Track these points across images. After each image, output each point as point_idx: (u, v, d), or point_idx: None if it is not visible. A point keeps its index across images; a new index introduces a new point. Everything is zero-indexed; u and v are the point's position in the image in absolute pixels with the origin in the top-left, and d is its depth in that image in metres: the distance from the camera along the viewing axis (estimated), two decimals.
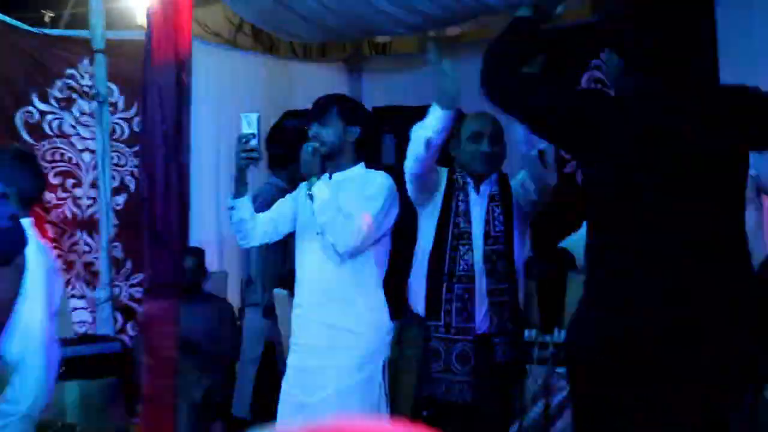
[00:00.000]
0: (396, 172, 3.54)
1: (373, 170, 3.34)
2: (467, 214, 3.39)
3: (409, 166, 3.25)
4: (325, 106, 3.30)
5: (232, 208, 3.32)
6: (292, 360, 3.29)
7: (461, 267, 3.34)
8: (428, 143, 3.14)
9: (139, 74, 3.77)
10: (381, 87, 6.56)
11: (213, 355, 4.91)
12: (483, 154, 3.43)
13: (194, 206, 5.59)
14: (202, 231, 5.80)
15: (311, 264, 3.26)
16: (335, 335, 3.17)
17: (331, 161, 3.30)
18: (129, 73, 5.44)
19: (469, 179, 3.45)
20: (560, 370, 4.09)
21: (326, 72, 6.57)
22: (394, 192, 3.28)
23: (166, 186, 3.26)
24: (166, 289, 3.27)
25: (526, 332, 4.27)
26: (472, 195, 3.44)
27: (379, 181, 3.26)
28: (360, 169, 3.34)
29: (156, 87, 3.39)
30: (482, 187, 3.46)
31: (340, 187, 3.25)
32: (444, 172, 3.48)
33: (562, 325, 4.37)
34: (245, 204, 3.33)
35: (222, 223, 5.98)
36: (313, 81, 6.32)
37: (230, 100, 5.95)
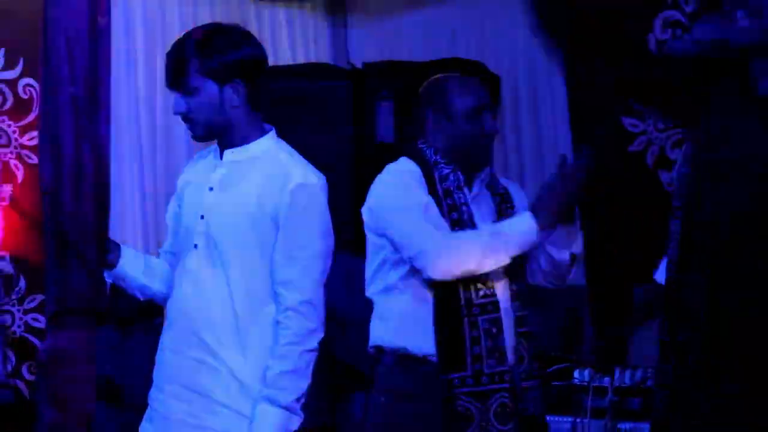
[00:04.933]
0: (396, 153, 3.55)
1: (289, 156, 3.08)
2: (471, 221, 3.39)
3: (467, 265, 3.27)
4: (178, 65, 3.05)
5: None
6: (142, 430, 3.24)
7: (481, 292, 3.34)
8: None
9: (26, 15, 3.74)
10: (373, 38, 6.55)
11: (142, 409, 4.91)
12: (488, 136, 3.45)
13: (115, 200, 5.57)
14: (125, 233, 5.77)
15: (180, 291, 3.19)
16: (202, 409, 3.12)
17: (220, 138, 3.11)
18: (7, 14, 5.39)
19: (460, 175, 3.43)
20: (624, 425, 4.10)
21: (301, 20, 6.57)
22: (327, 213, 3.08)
23: (77, 173, 3.24)
24: (79, 316, 3.26)
25: (576, 373, 4.29)
26: (470, 196, 3.44)
27: (309, 208, 3.03)
28: (269, 143, 3.12)
29: (61, 33, 3.37)
30: (477, 183, 3.46)
31: (238, 173, 3.13)
32: (418, 173, 3.41)
33: (625, 363, 4.38)
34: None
35: (149, 223, 5.95)
36: (283, 31, 6.30)
37: None
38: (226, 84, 3.04)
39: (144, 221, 5.99)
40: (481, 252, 3.24)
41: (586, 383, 4.19)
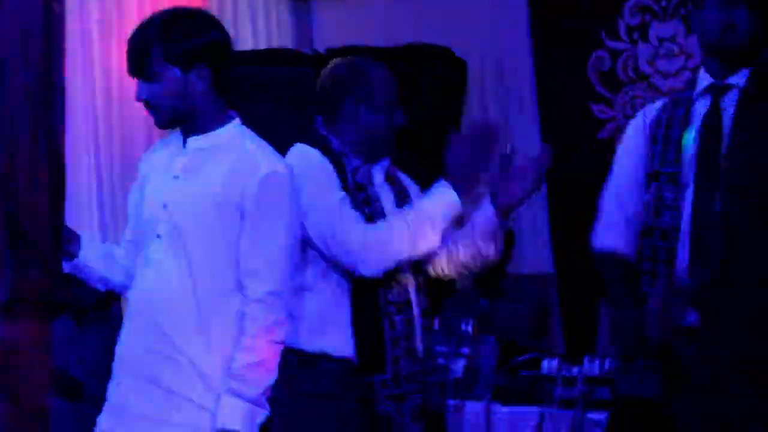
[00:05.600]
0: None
1: (255, 144, 3.04)
2: (383, 216, 3.34)
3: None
4: (140, 51, 3.01)
5: None
6: (101, 423, 3.19)
7: (395, 290, 3.30)
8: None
9: None
10: (336, 23, 6.55)
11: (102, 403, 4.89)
12: (396, 129, 3.38)
13: (71, 190, 5.52)
14: (82, 222, 5.75)
15: (142, 281, 3.14)
16: (163, 401, 3.07)
17: (184, 125, 3.13)
18: None
19: (369, 167, 3.38)
20: (593, 415, 4.09)
21: (263, 4, 6.56)
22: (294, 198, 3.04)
23: (31, 161, 3.18)
24: (33, 308, 3.20)
25: (545, 363, 4.29)
26: (378, 187, 3.40)
27: (276, 190, 2.99)
28: (234, 130, 3.08)
29: (14, 18, 3.30)
30: (378, 174, 3.41)
31: (202, 160, 3.08)
32: (329, 164, 3.32)
33: (594, 353, 4.38)
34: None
35: (106, 213, 5.94)
36: (245, 15, 6.28)
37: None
38: (190, 70, 2.99)
39: (101, 210, 5.95)
40: (411, 238, 3.19)
41: (554, 373, 4.18)
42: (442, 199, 3.21)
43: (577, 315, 5.63)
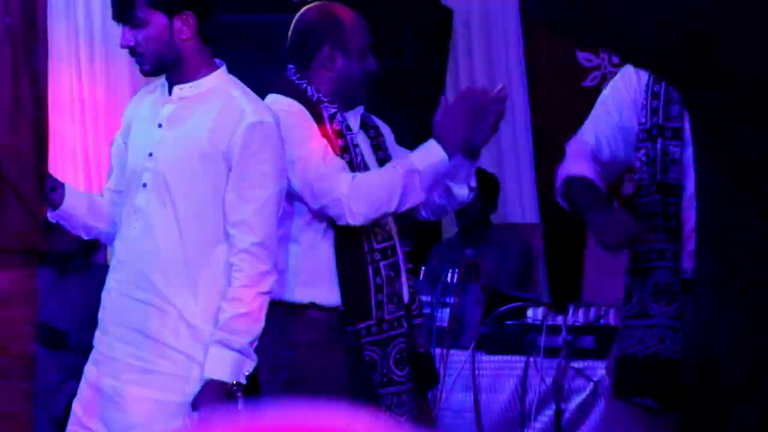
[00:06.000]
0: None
1: (242, 93, 3.03)
2: (364, 163, 3.33)
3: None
4: None
5: None
6: (87, 373, 3.20)
7: (380, 236, 3.31)
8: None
9: None
10: None
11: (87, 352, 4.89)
12: (370, 76, 3.36)
13: (55, 137, 5.50)
14: (66, 171, 5.72)
15: (129, 231, 3.08)
16: (150, 351, 3.06)
17: (169, 73, 3.05)
18: None
19: (344, 114, 3.36)
20: (577, 364, 4.12)
21: None
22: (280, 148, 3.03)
23: (14, 105, 3.15)
24: (16, 257, 3.19)
25: (530, 312, 4.31)
26: (355, 133, 3.38)
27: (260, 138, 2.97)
28: (221, 78, 3.07)
29: None
30: (354, 121, 3.40)
31: (188, 109, 3.03)
32: (306, 112, 3.25)
33: (579, 302, 4.40)
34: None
35: (90, 161, 5.93)
36: None
37: None
38: (175, 15, 2.98)
39: (85, 159, 5.93)
40: (399, 192, 3.17)
41: (539, 322, 4.19)
42: (430, 155, 3.20)
43: (562, 264, 5.66)
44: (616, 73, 5.73)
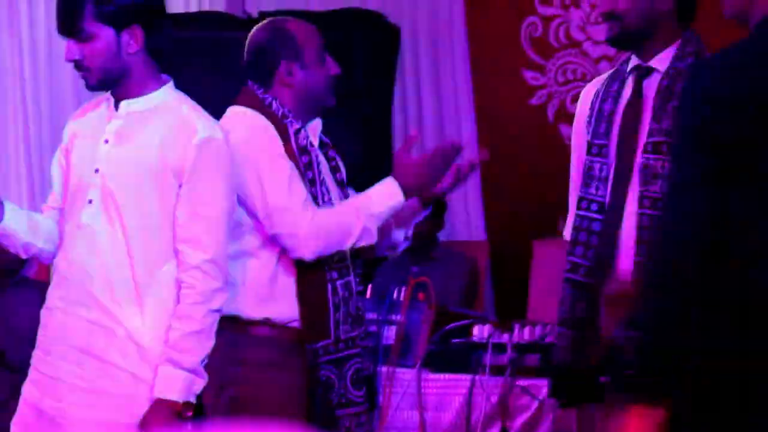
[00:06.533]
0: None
1: (191, 109, 3.00)
2: (323, 181, 3.32)
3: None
4: (72, 10, 2.93)
5: None
6: (26, 394, 3.15)
7: (336, 256, 3.29)
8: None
9: None
10: None
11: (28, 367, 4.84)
12: (335, 77, 3.33)
13: None
14: (9, 187, 5.69)
15: (73, 248, 3.02)
16: (95, 371, 3.04)
17: (115, 87, 3.01)
18: None
19: (303, 125, 3.35)
20: (522, 382, 4.13)
21: None
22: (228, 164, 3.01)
23: None
24: None
25: (476, 330, 4.31)
26: (317, 150, 3.37)
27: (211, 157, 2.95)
28: (168, 94, 3.03)
29: None
30: (313, 136, 3.37)
31: (136, 124, 2.97)
32: (272, 129, 3.23)
33: (525, 320, 4.41)
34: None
35: (35, 176, 5.85)
36: None
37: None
38: (123, 29, 2.94)
39: (29, 174, 5.86)
40: (355, 235, 3.17)
41: (485, 340, 4.20)
42: (391, 197, 3.19)
43: (508, 282, 5.69)
44: (562, 92, 5.86)
